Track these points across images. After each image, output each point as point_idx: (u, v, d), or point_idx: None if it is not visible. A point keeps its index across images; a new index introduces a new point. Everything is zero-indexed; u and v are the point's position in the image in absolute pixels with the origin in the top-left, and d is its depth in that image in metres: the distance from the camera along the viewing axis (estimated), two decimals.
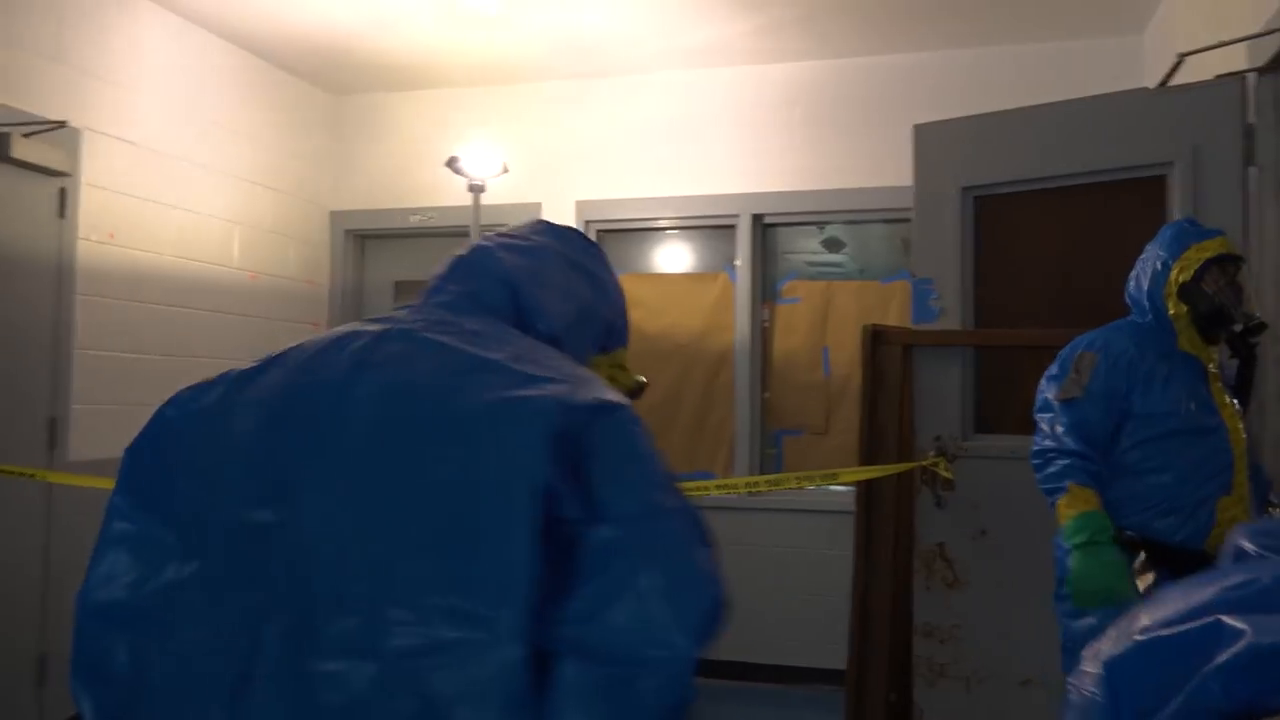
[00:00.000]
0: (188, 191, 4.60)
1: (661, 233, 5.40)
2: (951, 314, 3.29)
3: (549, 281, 1.17)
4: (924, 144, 3.39)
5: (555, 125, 5.33)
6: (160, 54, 4.46)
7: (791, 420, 5.16)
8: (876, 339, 3.37)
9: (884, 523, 3.33)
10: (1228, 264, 2.45)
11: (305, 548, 0.94)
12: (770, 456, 5.17)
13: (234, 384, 1.06)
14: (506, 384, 0.99)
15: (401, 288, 5.73)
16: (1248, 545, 1.11)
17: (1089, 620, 2.32)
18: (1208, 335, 2.47)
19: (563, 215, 5.32)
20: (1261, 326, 2.42)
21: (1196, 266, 2.44)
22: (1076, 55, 4.59)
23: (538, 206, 5.35)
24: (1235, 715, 0.82)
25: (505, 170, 4.15)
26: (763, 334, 5.17)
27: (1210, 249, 2.45)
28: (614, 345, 1.23)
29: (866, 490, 3.36)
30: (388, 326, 1.08)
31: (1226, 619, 0.86)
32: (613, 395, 1.01)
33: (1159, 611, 0.97)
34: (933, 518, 3.25)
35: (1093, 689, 0.96)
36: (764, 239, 5.18)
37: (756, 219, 5.12)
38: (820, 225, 5.19)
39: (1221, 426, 2.42)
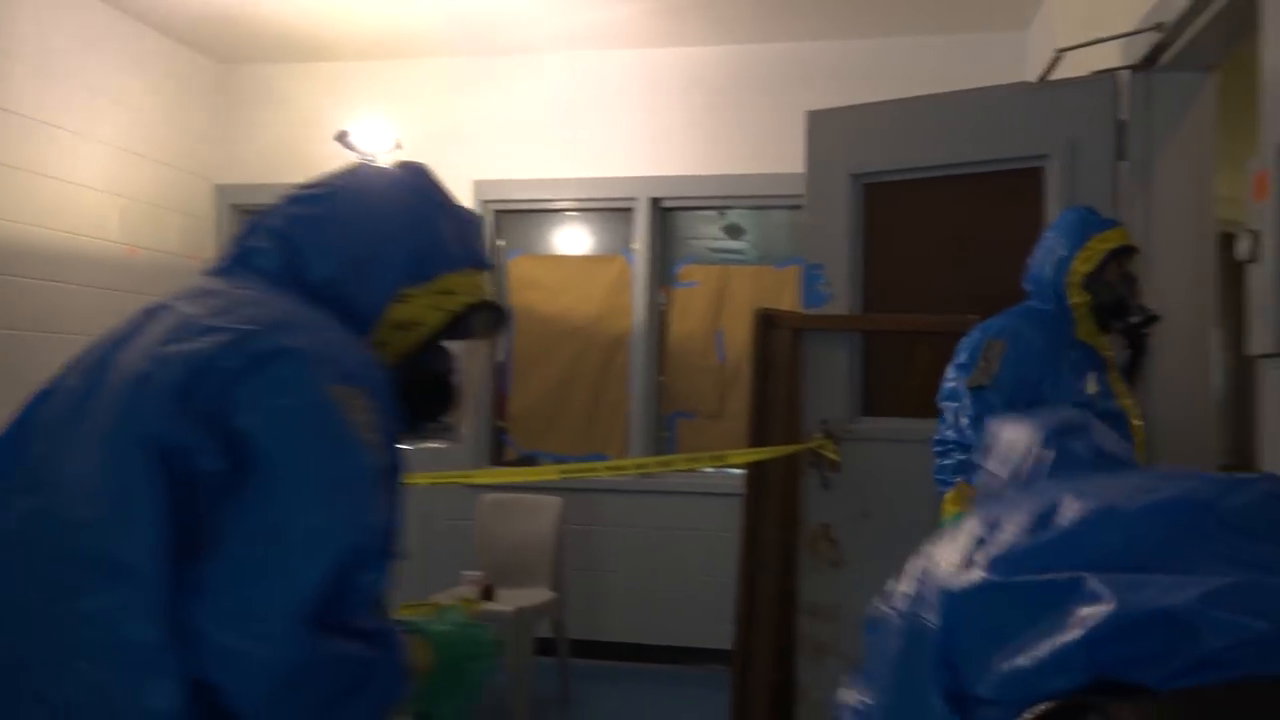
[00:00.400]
0: (63, 161, 4.38)
1: (559, 214, 5.37)
2: (841, 299, 3.35)
3: (325, 225, 1.15)
4: (815, 131, 3.43)
5: (451, 103, 5.24)
6: (35, 18, 4.24)
7: (686, 403, 5.19)
8: (767, 323, 3.41)
9: (771, 504, 3.37)
10: (1124, 255, 2.51)
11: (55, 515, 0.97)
12: (665, 439, 5.20)
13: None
14: (167, 341, 1.00)
15: None
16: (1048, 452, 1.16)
17: None
18: (1104, 325, 2.52)
19: (459, 194, 5.22)
20: (1155, 318, 2.50)
21: (1100, 258, 2.48)
22: (965, 48, 4.71)
23: None
24: (1093, 682, 0.83)
25: (398, 147, 4.05)
26: (659, 317, 5.18)
27: (1112, 240, 2.50)
28: (434, 271, 1.17)
29: (755, 472, 3.40)
30: (158, 303, 1.10)
31: (1090, 580, 0.86)
32: (290, 343, 0.99)
33: (1002, 537, 0.96)
34: (818, 499, 3.31)
35: (929, 616, 0.95)
36: (662, 223, 5.18)
37: (654, 203, 5.12)
38: (721, 211, 5.22)
39: (1123, 414, 2.47)
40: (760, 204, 5.08)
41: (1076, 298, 2.49)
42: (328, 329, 1.06)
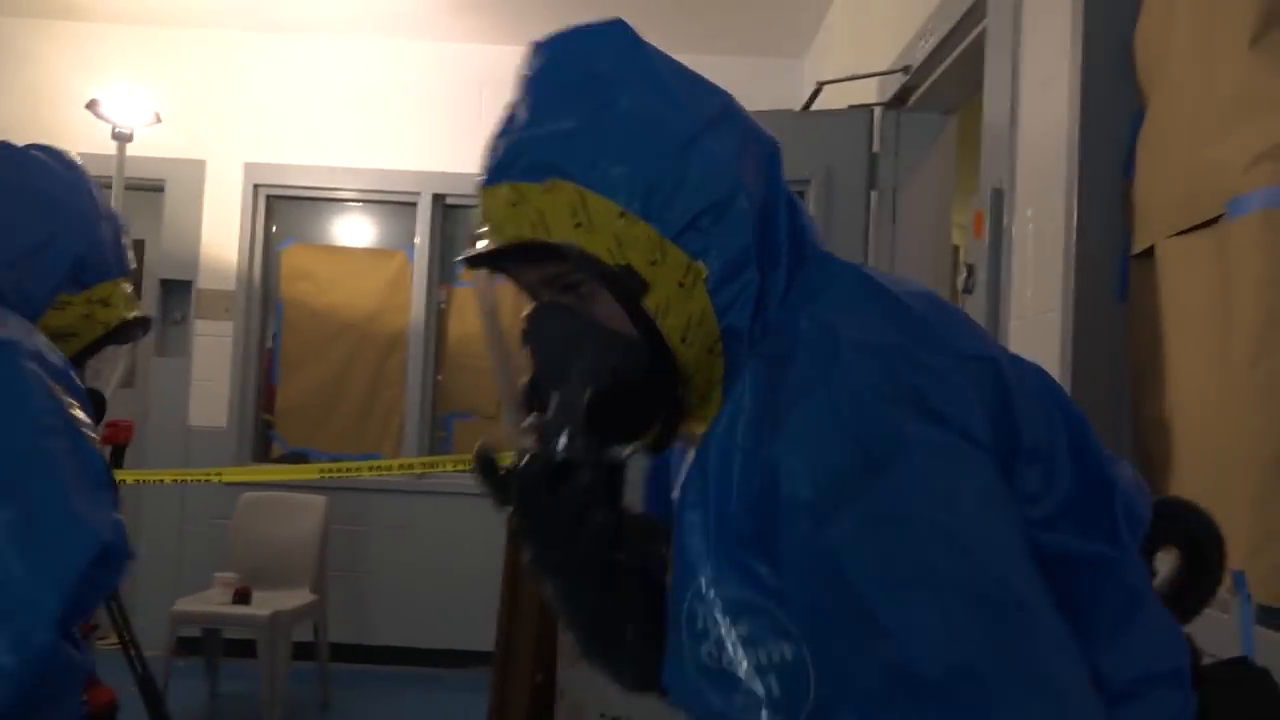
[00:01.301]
0: None
1: (338, 204, 5.20)
2: None
3: None
4: None
5: (222, 79, 4.98)
6: None
7: (464, 404, 5.14)
8: None
9: None
10: None
11: None
12: (440, 440, 5.13)
13: None
14: None
15: None
16: None
17: None
18: None
19: (229, 176, 5.00)
20: None
21: None
22: (744, 71, 4.89)
23: (200, 164, 4.99)
24: None
25: (158, 120, 3.81)
26: (439, 316, 5.12)
27: None
28: (93, 279, 1.14)
29: None
30: None
31: None
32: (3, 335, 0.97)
33: None
34: None
35: None
36: (444, 219, 5.12)
37: (438, 198, 5.05)
38: None
39: None
40: None
41: None
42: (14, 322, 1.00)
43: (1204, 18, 1.38)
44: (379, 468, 2.92)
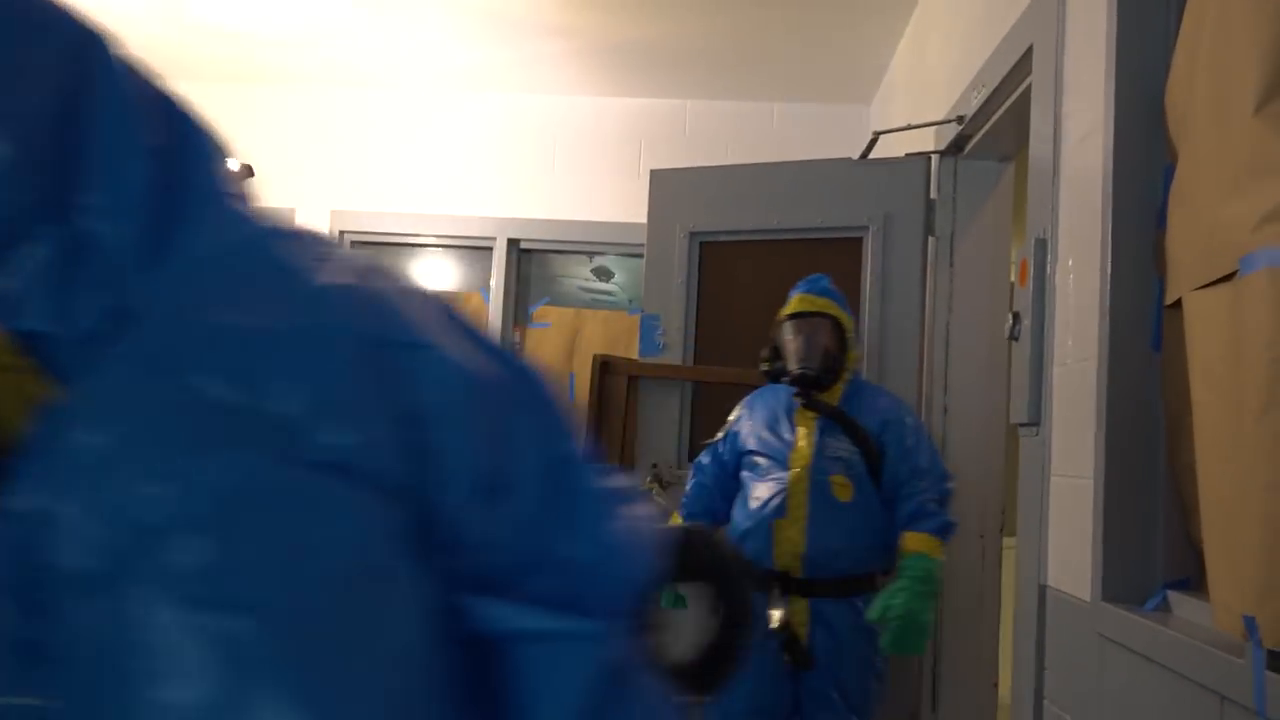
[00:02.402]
0: None
1: (418, 249, 5.42)
2: (674, 348, 3.51)
3: None
4: (657, 189, 3.61)
5: (307, 130, 5.27)
6: None
7: None
8: (605, 369, 3.55)
9: None
10: (800, 320, 2.82)
11: None
12: None
13: None
14: None
15: None
16: None
17: None
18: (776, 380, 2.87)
19: (317, 222, 5.25)
20: (802, 378, 2.76)
21: (781, 321, 2.87)
22: (815, 117, 5.00)
23: (291, 213, 5.25)
24: None
25: (250, 174, 4.05)
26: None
27: (787, 309, 2.87)
28: None
29: None
30: None
31: None
32: None
33: None
34: None
35: None
36: (519, 263, 5.29)
37: (512, 243, 5.23)
38: (590, 255, 5.39)
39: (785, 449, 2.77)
40: (612, 251, 5.24)
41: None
42: None
43: (1219, 80, 1.44)
44: None
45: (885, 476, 2.74)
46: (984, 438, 3.19)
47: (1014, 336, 2.21)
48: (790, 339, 2.81)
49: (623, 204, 5.08)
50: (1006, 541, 3.17)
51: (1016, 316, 2.20)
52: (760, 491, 2.73)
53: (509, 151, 5.22)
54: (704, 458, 2.95)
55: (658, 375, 3.45)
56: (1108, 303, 1.79)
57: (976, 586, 3.17)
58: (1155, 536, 1.73)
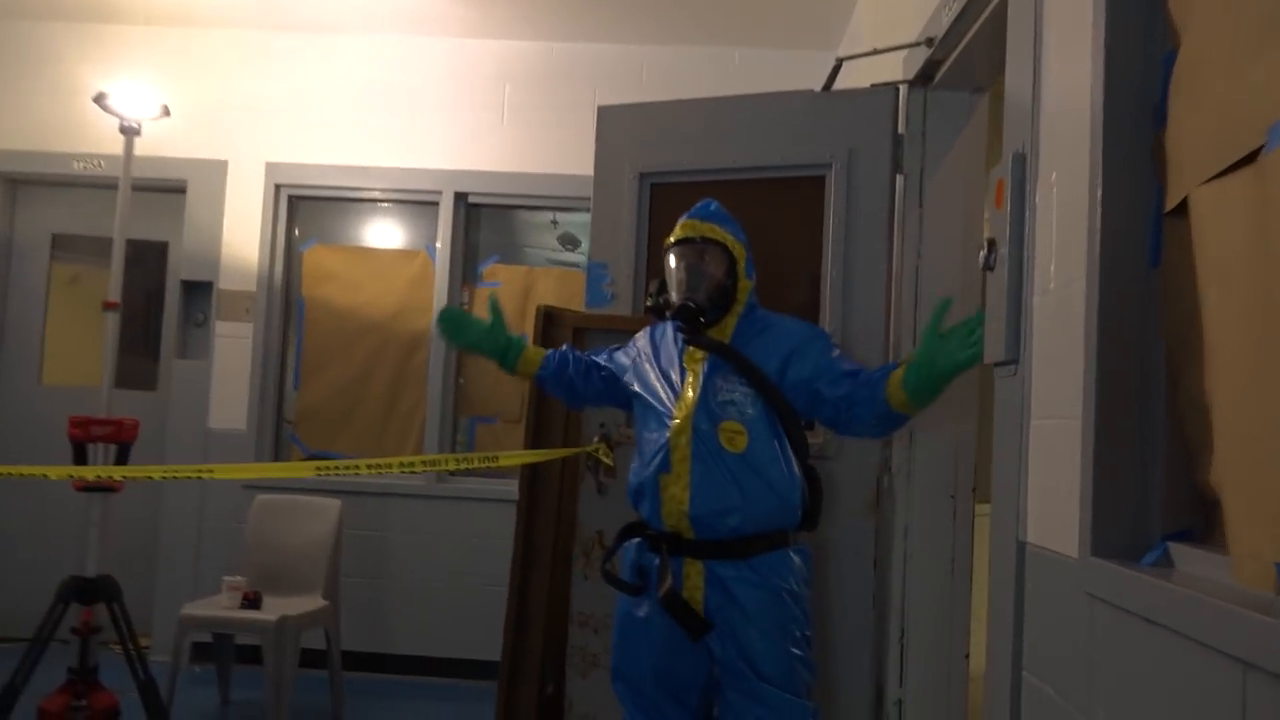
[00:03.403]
0: None
1: (360, 205, 5.12)
2: (624, 299, 3.26)
3: None
4: (605, 127, 3.35)
5: (237, 77, 4.94)
6: None
7: (486, 407, 5.02)
8: (549, 321, 3.29)
9: (546, 510, 3.25)
10: (684, 247, 2.51)
11: None
12: (462, 444, 5.01)
13: None
14: None
15: (59, 241, 5.13)
16: None
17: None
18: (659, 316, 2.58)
19: (251, 176, 4.94)
20: (683, 310, 2.45)
21: (665, 250, 2.56)
22: (776, 63, 4.74)
23: (222, 164, 4.94)
24: None
25: (166, 114, 3.74)
26: None
27: (671, 236, 2.56)
28: None
29: (528, 475, 3.26)
30: None
31: None
32: None
33: None
34: (594, 506, 3.20)
35: None
36: (467, 218, 5.01)
37: (459, 197, 4.94)
38: (554, 221, 5.13)
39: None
40: (568, 204, 4.96)
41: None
42: None
43: None
44: (377, 465, 2.78)
45: (803, 401, 2.42)
46: (954, 387, 2.95)
47: (988, 266, 1.98)
48: (673, 268, 2.51)
49: (576, 155, 4.77)
50: (980, 509, 2.96)
51: (991, 244, 1.96)
52: (646, 445, 2.46)
53: (456, 100, 4.92)
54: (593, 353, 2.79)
55: (606, 327, 3.19)
56: (1098, 218, 1.56)
57: (948, 551, 2.95)
58: (1154, 482, 1.50)
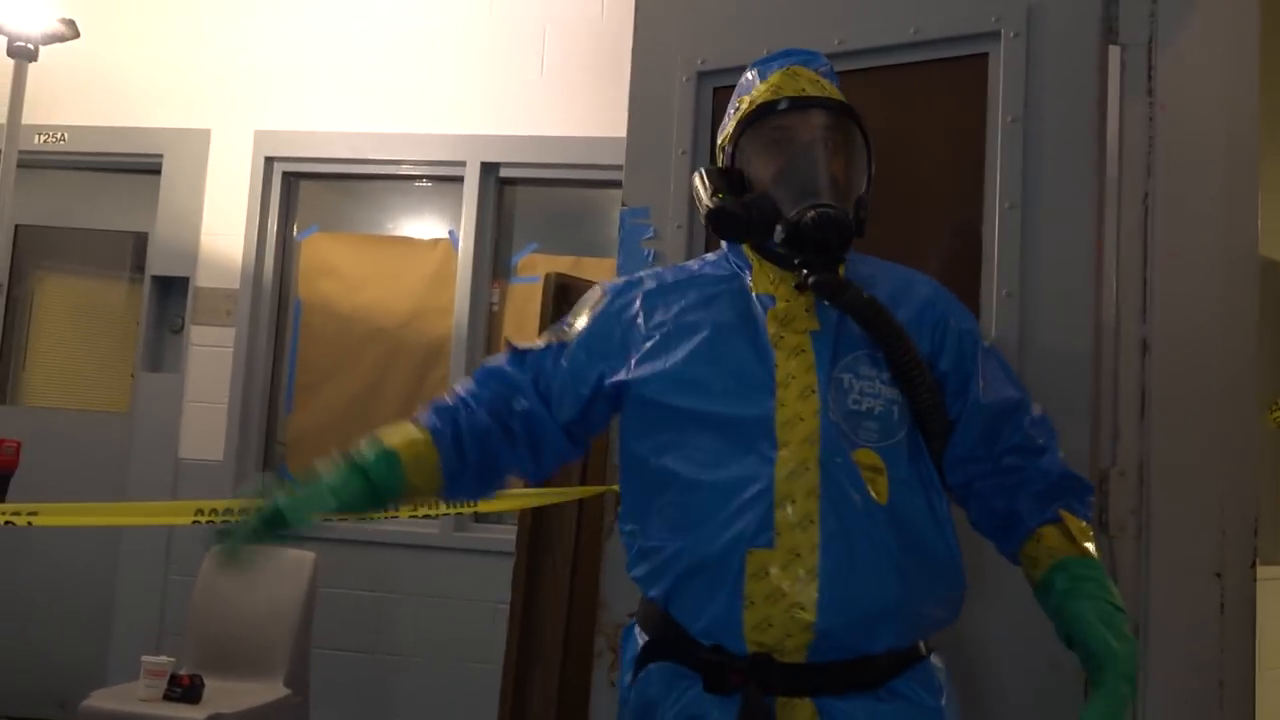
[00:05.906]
0: None
1: (369, 182, 4.19)
2: (674, 254, 2.16)
3: None
4: (646, 12, 2.27)
5: (224, 28, 4.09)
6: None
7: None
8: (562, 293, 2.23)
9: (555, 576, 2.15)
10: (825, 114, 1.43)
11: None
12: None
13: None
14: None
15: None
16: None
17: None
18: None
19: (237, 148, 4.06)
20: (826, 221, 1.33)
21: (732, 128, 1.49)
22: None
23: (205, 134, 4.07)
24: None
25: (73, 33, 2.83)
26: (488, 319, 3.99)
27: (760, 94, 1.45)
28: None
29: (532, 526, 2.18)
30: None
31: None
32: None
33: None
34: (624, 574, 2.09)
35: None
36: (498, 196, 4.01)
37: (488, 169, 3.95)
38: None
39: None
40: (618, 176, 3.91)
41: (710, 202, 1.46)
42: None
43: None
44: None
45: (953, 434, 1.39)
46: (1219, 402, 1.78)
47: None
48: (800, 150, 1.41)
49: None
50: (1264, 571, 1.78)
51: None
52: (704, 495, 1.32)
53: (484, 49, 3.95)
54: (508, 363, 1.57)
55: None
56: None
57: (1214, 656, 1.75)
58: None
